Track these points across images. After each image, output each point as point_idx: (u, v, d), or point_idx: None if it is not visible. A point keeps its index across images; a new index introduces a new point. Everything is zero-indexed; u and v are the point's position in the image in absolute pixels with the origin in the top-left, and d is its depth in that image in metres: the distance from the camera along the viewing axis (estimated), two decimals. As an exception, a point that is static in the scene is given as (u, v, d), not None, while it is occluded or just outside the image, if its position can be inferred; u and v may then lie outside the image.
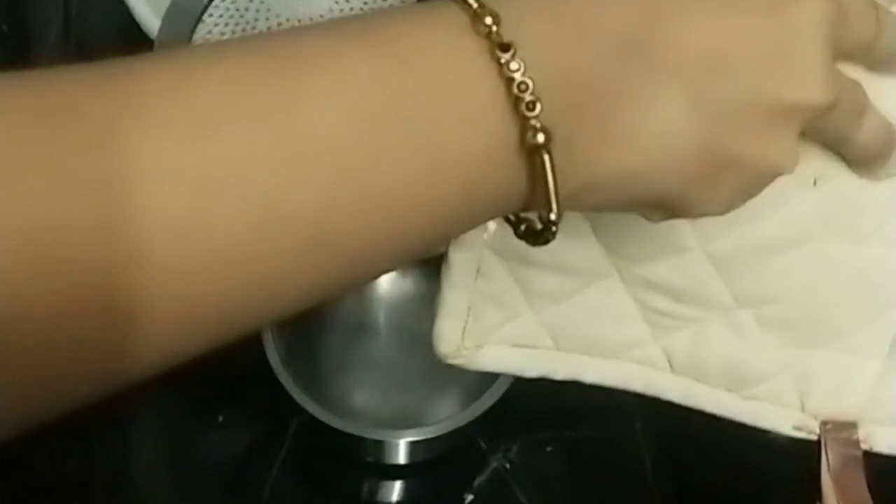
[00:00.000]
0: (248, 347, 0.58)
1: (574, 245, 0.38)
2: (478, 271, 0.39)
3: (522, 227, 0.30)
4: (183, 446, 0.59)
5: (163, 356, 0.24)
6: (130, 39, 0.62)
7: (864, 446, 0.40)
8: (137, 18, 0.61)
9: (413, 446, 0.55)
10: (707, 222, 0.36)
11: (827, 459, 0.40)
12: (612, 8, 0.28)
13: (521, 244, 0.38)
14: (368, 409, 0.60)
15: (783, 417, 0.41)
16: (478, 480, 0.59)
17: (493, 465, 0.59)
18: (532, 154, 0.26)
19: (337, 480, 0.60)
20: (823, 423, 0.41)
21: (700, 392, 0.41)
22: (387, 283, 0.64)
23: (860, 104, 0.33)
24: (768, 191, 0.32)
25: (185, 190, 0.22)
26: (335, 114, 0.24)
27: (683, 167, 0.29)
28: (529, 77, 0.26)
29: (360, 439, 0.54)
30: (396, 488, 0.59)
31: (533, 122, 0.26)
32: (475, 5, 0.26)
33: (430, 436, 0.54)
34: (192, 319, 0.24)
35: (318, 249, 0.25)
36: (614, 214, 0.37)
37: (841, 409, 0.40)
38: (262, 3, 0.62)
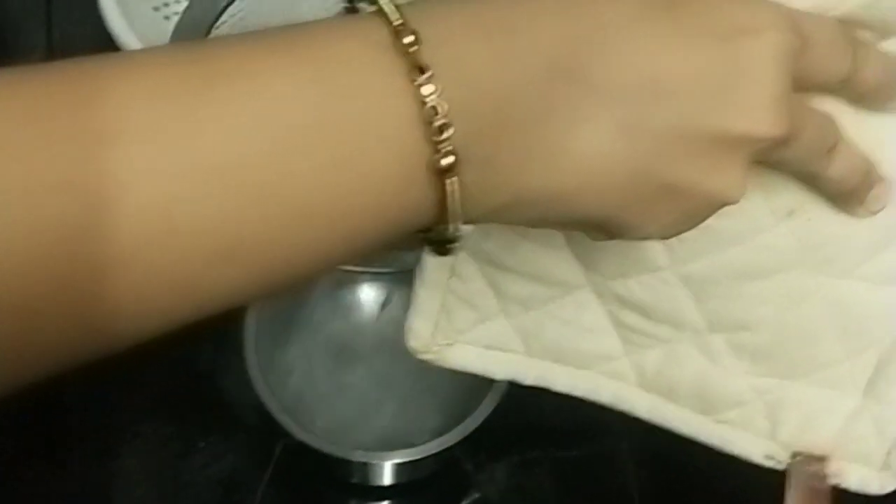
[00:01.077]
0: (233, 371, 0.58)
1: (548, 255, 0.38)
2: (452, 271, 0.39)
3: (431, 233, 0.29)
4: (168, 471, 0.59)
5: (72, 356, 0.25)
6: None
7: (834, 481, 0.40)
8: (121, 46, 0.61)
9: (399, 468, 0.55)
10: (679, 244, 0.36)
11: (792, 491, 0.39)
12: (544, 29, 0.28)
13: (497, 248, 0.38)
14: (353, 431, 0.59)
15: (754, 445, 0.40)
16: (464, 502, 0.59)
17: (480, 486, 0.59)
18: (440, 175, 0.27)
19: (322, 503, 0.60)
20: (794, 455, 0.40)
21: (669, 411, 0.40)
22: (372, 307, 0.64)
23: (828, 138, 0.33)
24: (742, 217, 0.31)
25: (74, 202, 0.23)
26: (244, 126, 0.25)
27: (617, 190, 0.29)
28: (444, 100, 0.26)
29: (346, 461, 0.54)
30: (383, 510, 0.59)
31: (442, 145, 0.26)
32: (397, 23, 0.26)
33: (415, 457, 0.54)
34: (92, 321, 0.24)
35: (227, 259, 0.25)
36: None
37: (813, 441, 0.40)
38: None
